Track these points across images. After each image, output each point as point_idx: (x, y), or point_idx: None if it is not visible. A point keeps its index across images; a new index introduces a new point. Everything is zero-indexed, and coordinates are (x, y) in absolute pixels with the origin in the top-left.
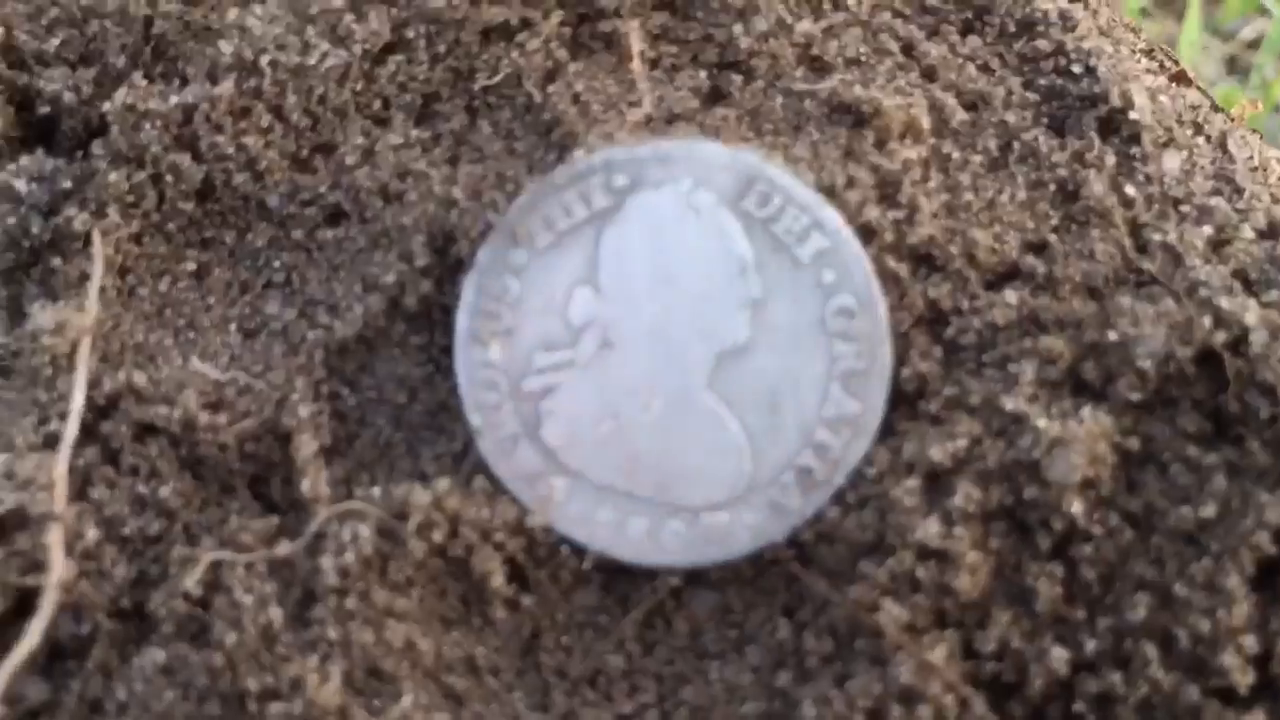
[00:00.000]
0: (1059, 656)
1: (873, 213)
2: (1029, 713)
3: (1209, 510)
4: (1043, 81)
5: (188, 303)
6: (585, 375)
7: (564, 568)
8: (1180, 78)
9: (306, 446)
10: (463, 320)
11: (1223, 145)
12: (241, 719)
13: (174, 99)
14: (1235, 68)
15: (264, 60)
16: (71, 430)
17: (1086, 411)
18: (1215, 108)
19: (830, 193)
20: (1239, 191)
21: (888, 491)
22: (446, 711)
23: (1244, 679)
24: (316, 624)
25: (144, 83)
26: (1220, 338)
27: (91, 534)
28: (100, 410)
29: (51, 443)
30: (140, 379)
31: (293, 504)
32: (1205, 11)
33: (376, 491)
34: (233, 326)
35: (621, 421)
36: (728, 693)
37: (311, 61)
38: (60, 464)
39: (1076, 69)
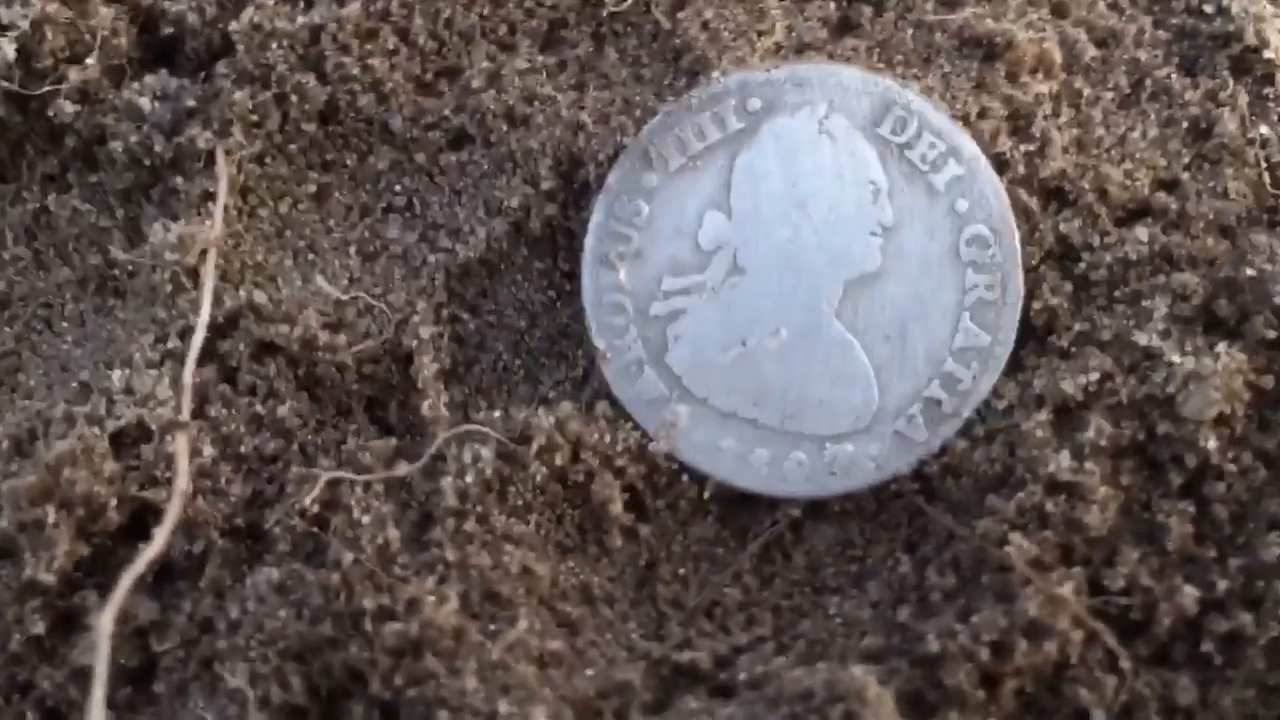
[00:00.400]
0: (1189, 595)
1: (1005, 144)
2: (1156, 651)
3: None
4: (1174, 20)
5: (308, 224)
6: (713, 300)
7: (683, 497)
8: None
9: (427, 368)
10: (591, 242)
11: None
12: (356, 639)
13: (300, 19)
14: None
15: None
16: (198, 338)
17: (1221, 348)
18: None
19: (963, 123)
20: None
21: (1017, 425)
22: (561, 639)
23: None
24: (434, 546)
25: (270, 2)
26: None
27: (208, 452)
28: (218, 329)
29: (169, 359)
30: (260, 298)
31: (409, 427)
32: None
33: (497, 414)
34: (353, 249)
35: (749, 348)
36: (846, 627)
37: None
38: (187, 372)
39: (1208, 8)
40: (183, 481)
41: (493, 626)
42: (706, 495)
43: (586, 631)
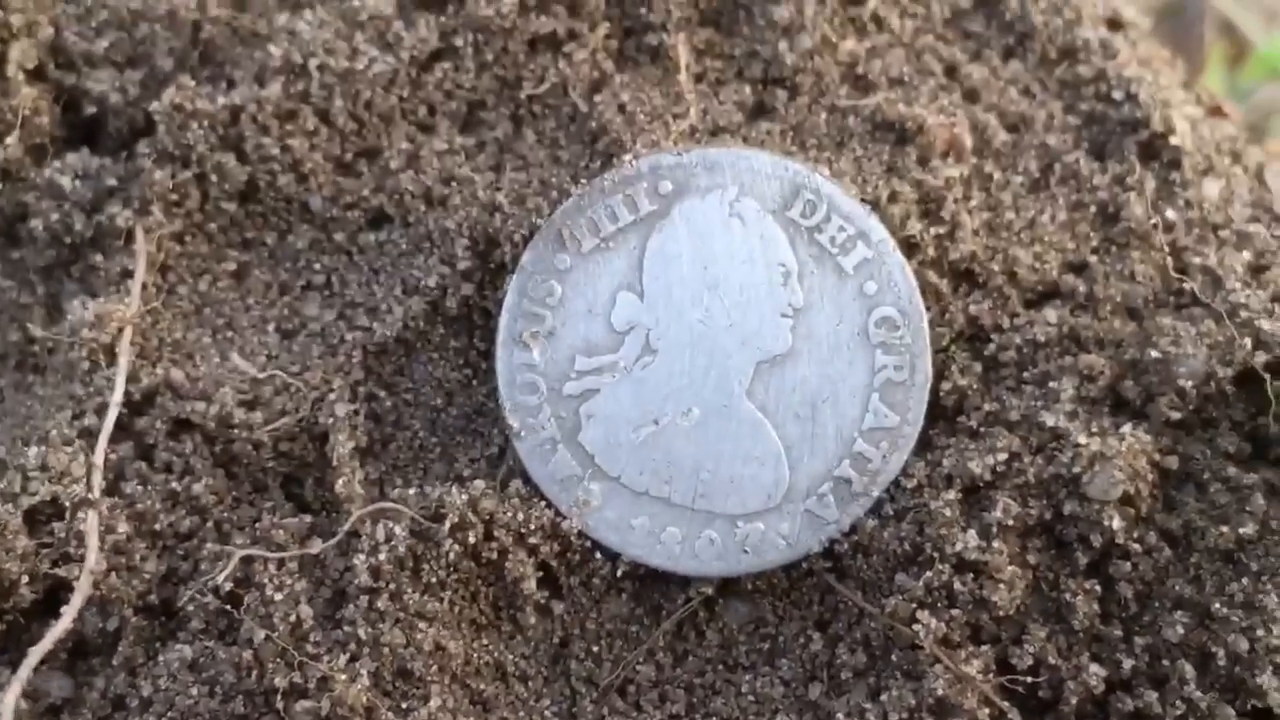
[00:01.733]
0: (1095, 674)
1: (915, 227)
2: None
3: (1248, 529)
4: (1084, 106)
5: (227, 302)
6: (626, 380)
7: (596, 575)
8: (1217, 111)
9: (343, 445)
10: (505, 321)
11: (1259, 177)
12: (267, 717)
13: (221, 100)
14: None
15: (312, 64)
16: (111, 416)
17: (1126, 429)
18: (1250, 142)
19: (873, 207)
20: (1277, 220)
21: (926, 504)
22: (474, 717)
23: None
24: (347, 623)
25: (192, 83)
26: (1261, 359)
27: (122, 528)
28: (135, 406)
29: (86, 436)
30: (177, 375)
31: (325, 505)
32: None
33: (411, 492)
34: (271, 327)
35: (661, 427)
36: (758, 705)
37: (359, 66)
38: (99, 449)
39: (1117, 95)
40: (93, 559)
41: (405, 704)
42: (620, 573)
43: (499, 709)
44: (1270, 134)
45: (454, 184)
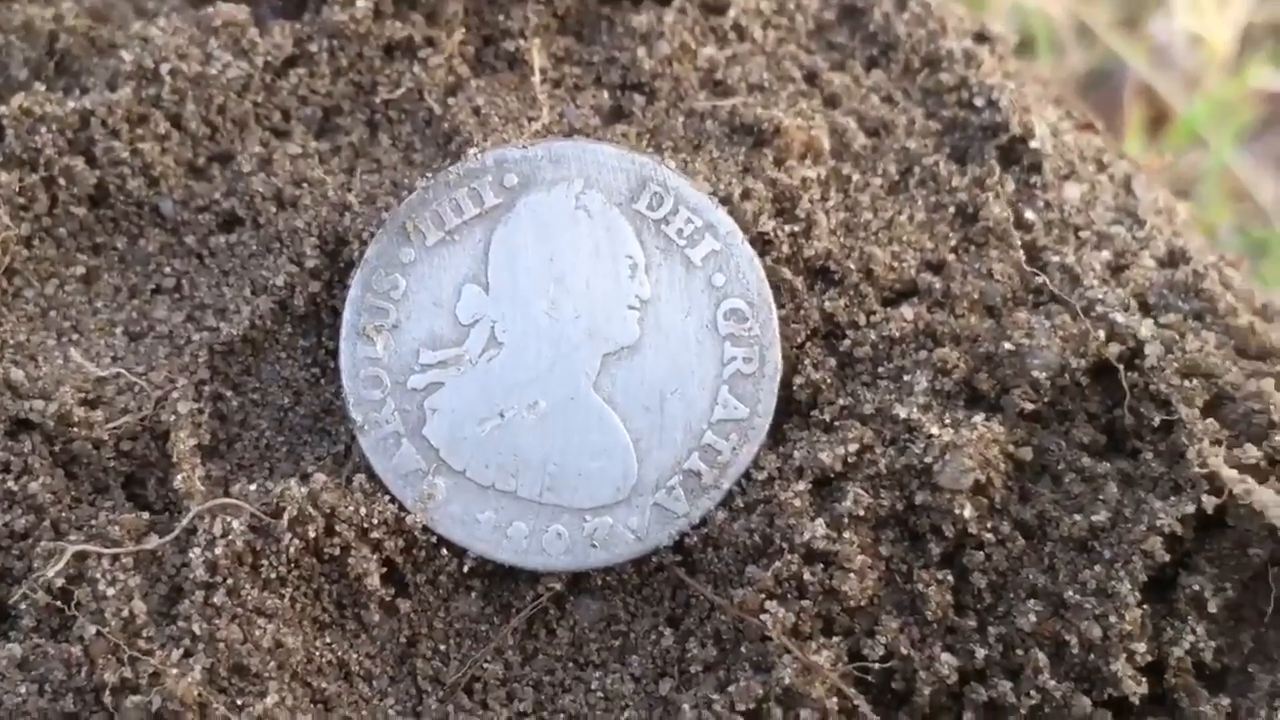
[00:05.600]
0: (948, 663)
1: (768, 225)
2: None
3: (1101, 517)
4: (945, 113)
5: (74, 305)
6: (471, 373)
7: (443, 572)
8: (1088, 127)
9: (183, 442)
10: (349, 315)
11: (1126, 185)
12: (96, 713)
13: (71, 104)
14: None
15: (164, 69)
16: None
17: (979, 419)
18: (1121, 156)
19: (726, 204)
20: (1140, 224)
21: (776, 495)
22: (313, 715)
23: (1136, 688)
24: (181, 619)
25: (42, 88)
26: (1114, 351)
27: None
28: None
29: None
30: (17, 375)
31: (167, 505)
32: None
33: (253, 487)
34: (119, 330)
35: (507, 420)
36: (607, 702)
37: (213, 71)
38: None
39: (979, 102)
40: None
41: (240, 701)
42: (466, 570)
43: (341, 708)
44: (1195, 201)
45: (305, 185)
